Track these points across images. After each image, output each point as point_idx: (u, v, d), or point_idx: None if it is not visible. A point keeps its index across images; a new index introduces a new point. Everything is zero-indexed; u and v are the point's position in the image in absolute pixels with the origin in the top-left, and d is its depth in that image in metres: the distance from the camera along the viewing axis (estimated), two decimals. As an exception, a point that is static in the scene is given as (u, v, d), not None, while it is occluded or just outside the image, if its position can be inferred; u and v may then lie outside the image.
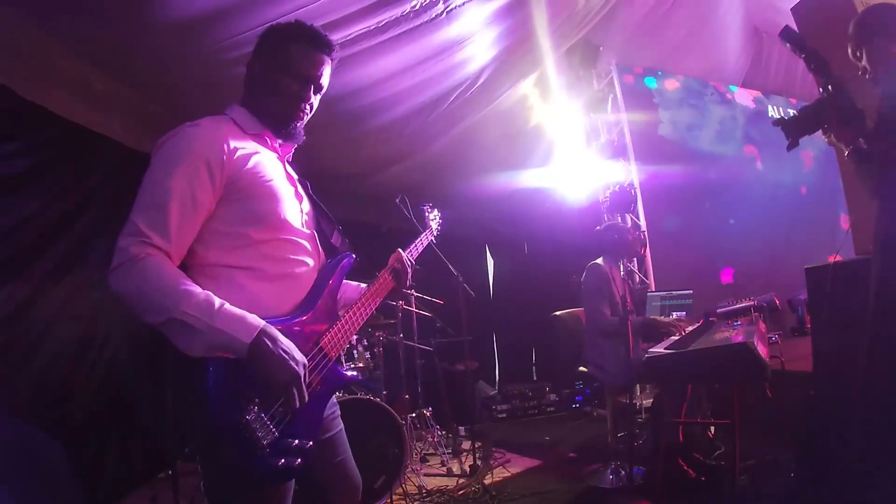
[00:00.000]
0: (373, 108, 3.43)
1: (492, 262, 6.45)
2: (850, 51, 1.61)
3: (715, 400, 2.79)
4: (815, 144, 5.60)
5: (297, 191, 1.25)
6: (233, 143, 1.10)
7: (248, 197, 1.10)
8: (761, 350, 1.97)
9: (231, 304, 1.00)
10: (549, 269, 5.65)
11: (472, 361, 4.08)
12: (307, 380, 1.05)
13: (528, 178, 4.98)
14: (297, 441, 1.04)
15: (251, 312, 1.02)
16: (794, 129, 1.53)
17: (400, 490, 2.78)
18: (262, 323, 1.00)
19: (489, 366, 5.89)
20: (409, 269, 1.46)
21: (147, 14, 2.20)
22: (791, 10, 2.06)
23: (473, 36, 3.16)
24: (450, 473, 3.29)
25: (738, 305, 2.91)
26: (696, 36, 4.85)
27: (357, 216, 4.71)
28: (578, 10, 3.63)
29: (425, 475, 3.19)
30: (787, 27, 1.63)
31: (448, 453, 3.58)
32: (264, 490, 1.07)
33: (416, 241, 1.64)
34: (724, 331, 2.35)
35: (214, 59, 2.58)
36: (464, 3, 2.82)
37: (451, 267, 3.23)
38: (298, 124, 1.22)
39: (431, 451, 3.66)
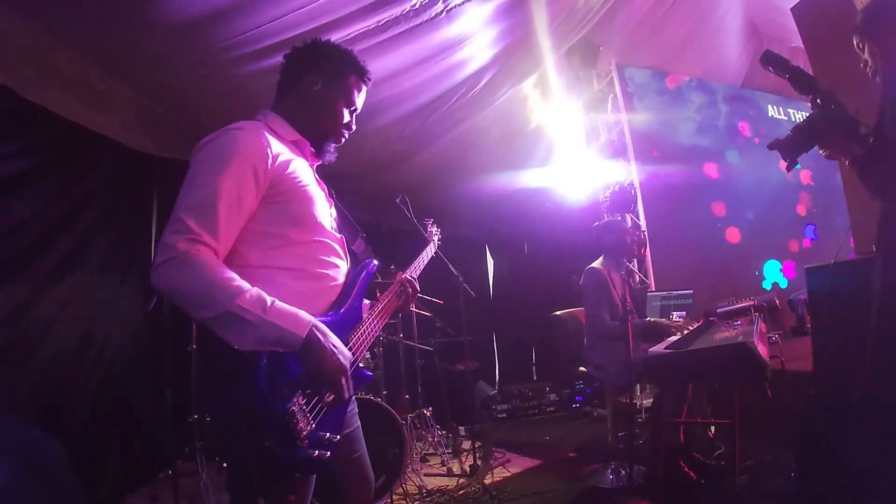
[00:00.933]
0: (373, 109, 3.42)
1: (492, 262, 6.45)
2: (854, 41, 1.60)
3: (715, 400, 2.79)
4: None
5: (326, 195, 1.31)
6: (275, 149, 1.13)
7: (287, 200, 1.15)
8: (761, 350, 1.97)
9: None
10: (549, 269, 5.65)
11: (472, 361, 4.08)
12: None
13: (528, 178, 4.99)
14: (328, 434, 1.08)
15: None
16: (790, 150, 1.53)
17: (400, 490, 2.78)
18: (312, 319, 1.05)
19: (489, 366, 5.89)
20: (414, 291, 1.49)
21: (147, 14, 2.20)
22: (791, 9, 2.06)
23: (473, 35, 3.15)
24: (450, 473, 3.29)
25: (738, 305, 2.91)
26: (696, 35, 4.85)
27: (357, 216, 4.66)
28: (578, 9, 3.62)
29: (425, 475, 3.19)
30: (766, 52, 1.62)
31: (448, 453, 3.58)
32: (295, 480, 1.11)
33: (419, 258, 1.67)
34: (724, 331, 2.35)
35: (215, 59, 2.58)
36: (463, 3, 2.82)
37: (451, 267, 3.23)
38: (335, 146, 1.34)
39: (431, 450, 3.66)
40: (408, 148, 4.12)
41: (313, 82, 1.26)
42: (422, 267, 1.65)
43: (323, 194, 1.29)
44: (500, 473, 3.20)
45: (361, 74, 1.32)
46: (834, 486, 1.72)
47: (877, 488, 1.51)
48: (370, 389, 3.15)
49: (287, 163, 1.15)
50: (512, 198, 5.26)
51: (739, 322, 2.53)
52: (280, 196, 1.14)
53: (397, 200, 2.74)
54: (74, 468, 1.97)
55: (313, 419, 1.05)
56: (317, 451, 1.04)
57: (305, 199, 1.18)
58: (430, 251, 1.77)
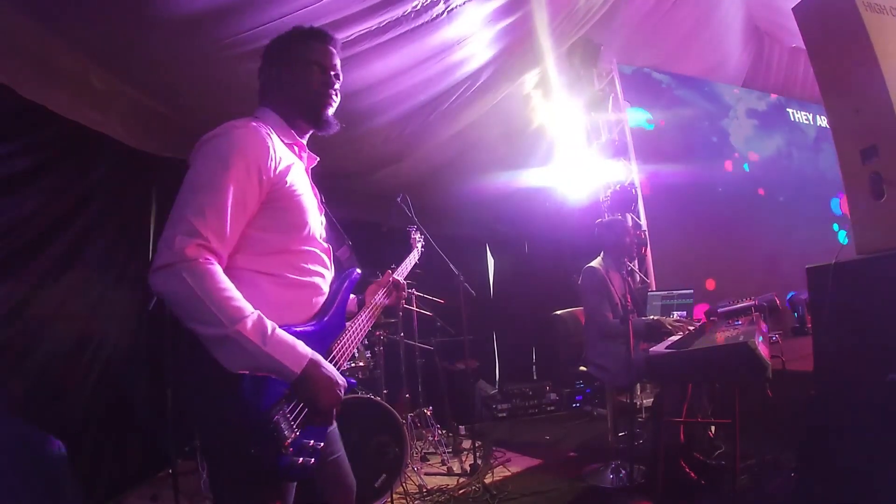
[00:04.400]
0: (374, 108, 3.42)
1: (492, 261, 6.45)
2: None
3: (715, 400, 2.79)
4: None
5: (319, 203, 1.31)
6: (277, 153, 1.13)
7: (283, 208, 1.14)
8: (762, 350, 1.97)
9: (263, 314, 1.03)
10: (549, 269, 5.65)
11: (473, 360, 4.08)
12: None
13: (528, 178, 4.98)
14: (312, 441, 1.07)
15: (271, 316, 1.05)
16: None
17: (400, 489, 2.78)
18: (309, 352, 1.05)
19: (489, 365, 5.89)
20: (404, 291, 1.53)
21: (148, 12, 2.20)
22: (792, 9, 2.05)
23: (474, 35, 3.15)
24: (450, 472, 3.29)
25: (738, 305, 2.91)
26: (696, 35, 4.84)
27: (357, 215, 4.69)
28: (578, 8, 3.62)
29: (426, 474, 3.19)
30: None
31: (448, 452, 3.58)
32: (278, 487, 1.10)
33: (404, 263, 1.70)
34: (724, 330, 2.35)
35: (215, 57, 2.58)
36: (464, 3, 2.82)
37: (451, 266, 3.23)
38: (331, 112, 1.28)
39: (432, 450, 3.66)
40: (408, 147, 4.11)
41: (274, 73, 1.26)
42: (407, 271, 1.69)
43: (316, 202, 1.28)
44: (500, 473, 3.20)
45: (311, 37, 1.27)
46: (834, 486, 1.72)
47: (876, 488, 1.51)
48: (370, 389, 3.15)
49: (287, 169, 1.15)
50: (512, 197, 5.26)
51: (740, 322, 2.53)
52: (277, 202, 1.13)
53: (398, 200, 2.74)
54: (74, 467, 1.97)
55: (297, 427, 1.04)
56: (301, 458, 1.03)
57: (301, 209, 1.18)
58: (413, 257, 1.82)
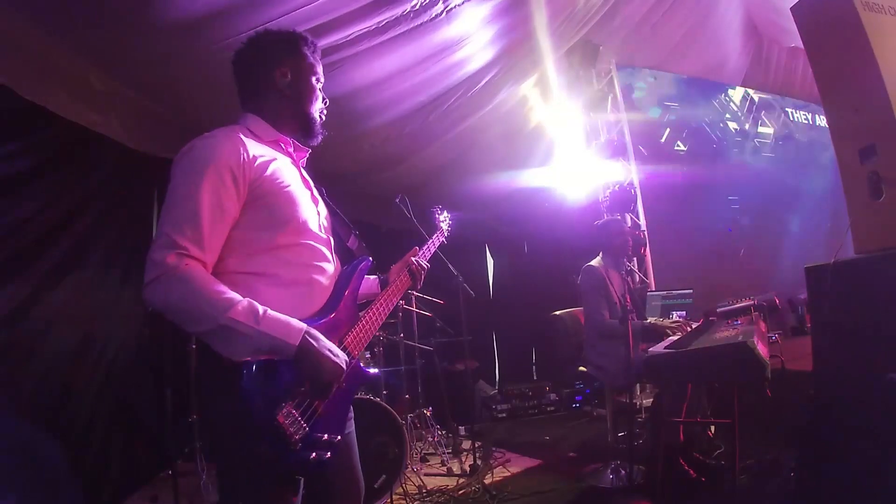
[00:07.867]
0: (373, 109, 3.43)
1: (492, 261, 6.45)
2: None
3: (715, 399, 2.79)
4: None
5: (312, 195, 1.28)
6: (251, 151, 1.12)
7: (269, 203, 1.13)
8: (761, 349, 1.97)
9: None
10: (549, 269, 5.64)
11: (472, 361, 4.08)
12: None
13: (528, 178, 4.98)
14: (326, 435, 1.08)
15: None
16: None
17: (400, 489, 2.78)
18: (304, 325, 1.07)
19: (489, 365, 5.89)
20: (424, 271, 1.53)
21: (148, 14, 2.20)
22: (791, 9, 2.05)
23: (473, 36, 3.16)
24: (450, 473, 3.29)
25: (738, 305, 2.91)
26: (695, 35, 4.84)
27: (356, 216, 4.69)
28: (578, 9, 3.63)
29: (425, 475, 3.19)
30: None
31: (448, 453, 3.58)
32: (294, 483, 1.09)
33: (429, 243, 1.70)
34: (724, 330, 2.35)
35: (215, 58, 2.57)
36: (463, 3, 2.82)
37: (451, 267, 3.23)
38: (321, 124, 1.31)
39: (431, 450, 3.67)
40: (408, 147, 4.12)
41: (283, 74, 1.23)
42: (430, 252, 1.67)
43: (308, 194, 1.26)
44: (499, 473, 3.20)
45: (313, 46, 1.29)
46: (834, 486, 1.73)
47: (876, 487, 1.51)
48: (370, 389, 3.15)
49: (266, 164, 1.14)
50: (512, 197, 5.26)
51: (739, 322, 2.53)
52: (261, 199, 1.12)
53: (397, 200, 2.73)
54: (75, 468, 1.98)
55: (306, 422, 1.05)
56: (314, 453, 1.04)
57: (288, 202, 1.16)
58: (438, 238, 1.80)
